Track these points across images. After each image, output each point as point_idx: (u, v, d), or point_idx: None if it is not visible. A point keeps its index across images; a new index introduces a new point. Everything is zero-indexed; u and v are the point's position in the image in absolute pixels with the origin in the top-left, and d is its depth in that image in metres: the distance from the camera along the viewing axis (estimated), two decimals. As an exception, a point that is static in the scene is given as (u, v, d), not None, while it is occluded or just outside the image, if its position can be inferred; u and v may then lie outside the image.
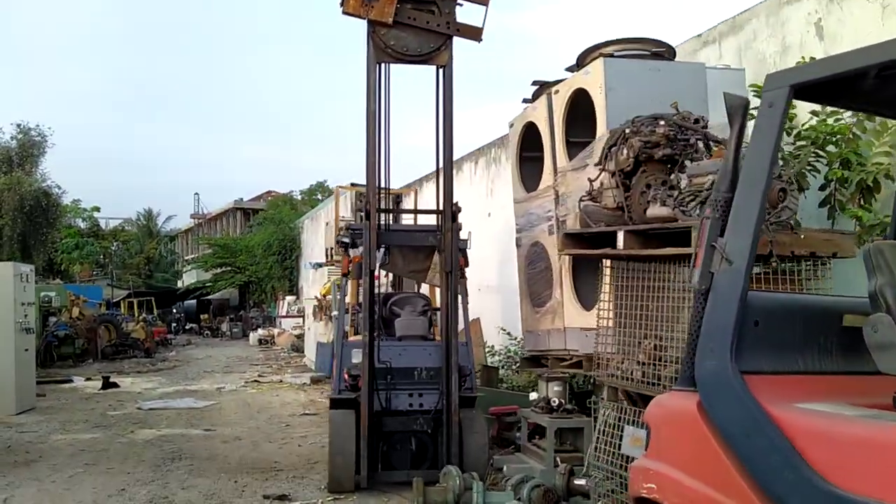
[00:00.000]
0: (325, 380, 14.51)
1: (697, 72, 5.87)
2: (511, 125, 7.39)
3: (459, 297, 6.61)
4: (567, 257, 6.25)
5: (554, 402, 6.19)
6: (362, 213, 6.46)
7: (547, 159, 6.61)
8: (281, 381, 14.76)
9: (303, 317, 27.06)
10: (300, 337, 23.94)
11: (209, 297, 39.37)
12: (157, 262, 53.30)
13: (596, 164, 5.07)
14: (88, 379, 15.44)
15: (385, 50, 6.37)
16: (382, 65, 6.47)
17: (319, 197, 55.59)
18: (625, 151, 4.74)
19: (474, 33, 6.45)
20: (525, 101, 7.41)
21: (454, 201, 6.46)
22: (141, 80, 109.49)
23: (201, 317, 37.93)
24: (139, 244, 52.01)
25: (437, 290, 8.32)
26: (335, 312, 13.46)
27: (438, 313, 7.50)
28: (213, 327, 35.18)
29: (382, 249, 6.82)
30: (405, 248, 7.25)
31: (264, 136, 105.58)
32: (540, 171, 7.33)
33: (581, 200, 5.10)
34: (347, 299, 11.35)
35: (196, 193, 63.79)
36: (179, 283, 49.08)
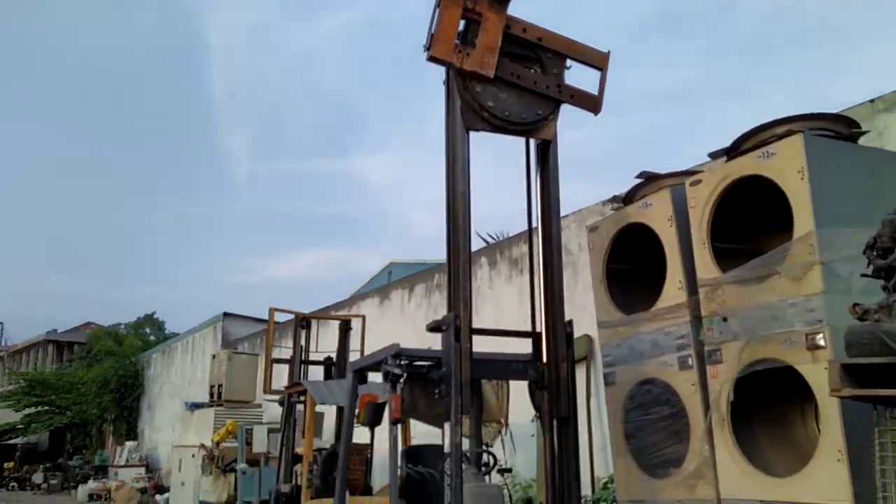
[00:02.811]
0: (215, 552, 11.67)
1: (904, 163, 4.65)
2: (592, 229, 5.83)
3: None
4: (725, 400, 4.62)
5: None
6: (446, 330, 4.52)
7: (675, 270, 5.07)
8: (156, 555, 11.64)
9: (146, 465, 23.30)
10: (145, 491, 20.27)
11: (10, 441, 33.71)
12: (-53, 400, 45.83)
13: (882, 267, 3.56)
14: None
15: (479, 113, 4.71)
16: (469, 133, 4.78)
17: (147, 330, 51.15)
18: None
19: (591, 103, 4.97)
20: (615, 200, 5.93)
21: (567, 319, 4.71)
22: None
23: (5, 465, 32.17)
24: (-74, 378, 44.69)
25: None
26: (242, 465, 10.93)
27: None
28: (22, 478, 29.75)
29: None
30: (427, 388, 5.40)
31: (77, 267, 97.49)
32: (631, 290, 5.81)
33: (875, 316, 3.52)
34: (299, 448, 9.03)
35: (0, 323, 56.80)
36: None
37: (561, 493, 4.49)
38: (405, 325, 12.52)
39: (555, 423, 4.63)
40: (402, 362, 4.98)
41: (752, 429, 4.79)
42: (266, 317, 20.86)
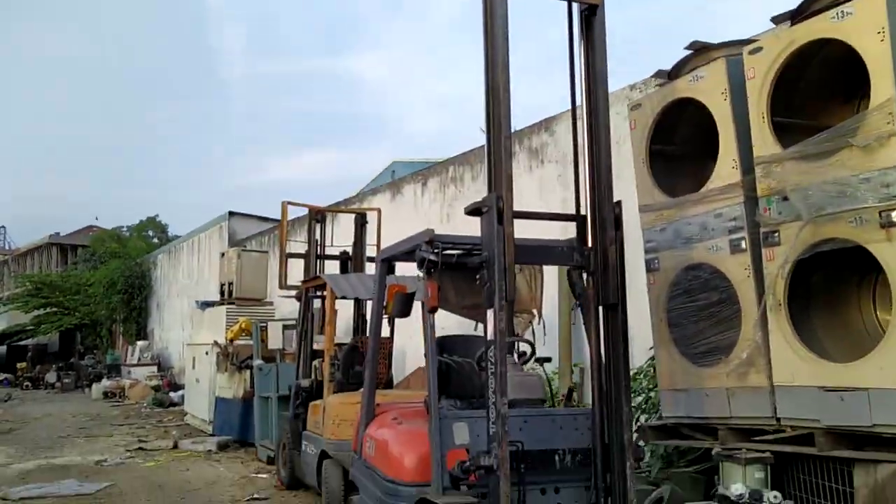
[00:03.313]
0: (233, 444, 11.75)
1: None
2: (634, 107, 5.44)
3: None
4: (782, 283, 4.35)
5: (774, 497, 4.21)
6: (487, 212, 4.19)
7: (728, 147, 4.73)
8: (176, 448, 11.73)
9: (157, 364, 23.53)
10: (159, 389, 20.49)
11: (21, 342, 34.09)
12: (-51, 303, 46.20)
13: None
14: None
15: (521, -29, 4.26)
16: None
17: (150, 233, 51.13)
18: None
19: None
20: (658, 75, 5.52)
21: (616, 200, 4.38)
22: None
23: (18, 366, 32.57)
24: (-69, 281, 44.87)
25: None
26: (258, 361, 10.84)
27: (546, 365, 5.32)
28: (35, 377, 30.14)
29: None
30: (457, 277, 5.17)
31: (76, 170, 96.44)
32: (672, 172, 5.48)
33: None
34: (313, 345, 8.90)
35: (2, 227, 56.68)
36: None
37: (609, 381, 4.26)
38: (418, 220, 12.20)
39: (600, 309, 4.37)
40: (437, 249, 4.70)
41: (808, 315, 4.56)
42: (271, 215, 20.74)
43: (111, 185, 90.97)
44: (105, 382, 22.74)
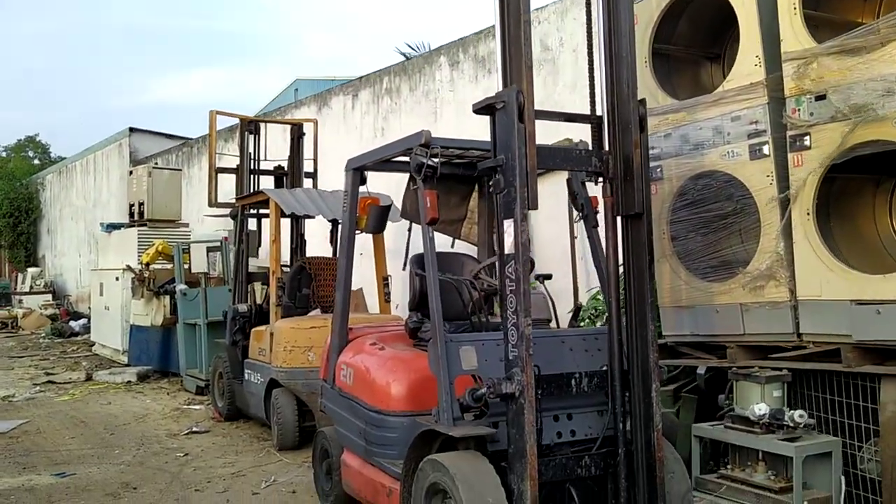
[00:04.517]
0: (154, 375, 11.03)
1: None
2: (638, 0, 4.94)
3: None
4: (811, 190, 4.04)
5: (800, 416, 3.98)
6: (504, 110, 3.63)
7: (751, 43, 4.33)
8: (90, 380, 10.89)
9: (52, 292, 22.10)
10: (56, 318, 19.23)
11: None
12: None
13: None
14: None
15: None
16: None
17: (31, 153, 47.90)
18: None
19: None
20: (663, -37, 5.02)
21: (640, 98, 3.92)
22: None
23: None
24: None
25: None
26: (181, 286, 10.09)
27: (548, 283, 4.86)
28: None
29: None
30: (444, 187, 4.74)
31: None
32: (674, 73, 5.08)
33: None
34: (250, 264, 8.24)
35: None
36: None
37: (630, 298, 3.89)
38: (349, 134, 11.51)
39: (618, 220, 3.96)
40: (436, 153, 4.15)
41: (829, 225, 4.29)
42: (176, 132, 19.41)
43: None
44: (-7, 312, 21.13)
